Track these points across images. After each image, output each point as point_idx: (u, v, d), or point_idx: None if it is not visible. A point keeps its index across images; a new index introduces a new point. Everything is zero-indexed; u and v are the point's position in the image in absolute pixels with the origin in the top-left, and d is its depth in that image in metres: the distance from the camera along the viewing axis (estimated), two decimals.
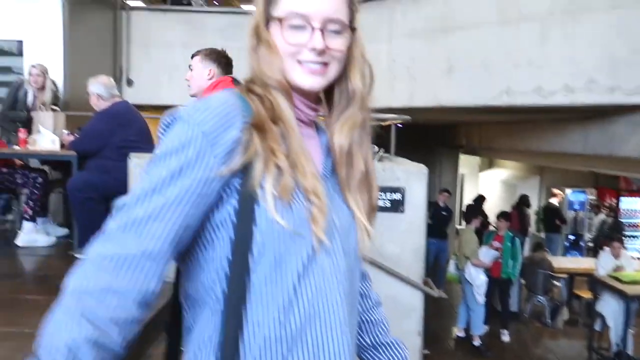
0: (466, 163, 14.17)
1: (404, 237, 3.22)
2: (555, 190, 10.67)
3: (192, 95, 2.56)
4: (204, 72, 2.52)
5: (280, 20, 0.81)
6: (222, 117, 0.76)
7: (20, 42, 5.85)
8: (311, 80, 0.83)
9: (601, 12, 4.80)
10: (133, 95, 6.82)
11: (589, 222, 10.97)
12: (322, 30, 0.80)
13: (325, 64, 0.82)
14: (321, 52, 0.81)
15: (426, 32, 6.08)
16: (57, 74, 5.43)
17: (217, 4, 13.22)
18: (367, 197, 0.89)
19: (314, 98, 0.87)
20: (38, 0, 5.78)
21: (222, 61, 2.56)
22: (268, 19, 0.83)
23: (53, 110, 4.48)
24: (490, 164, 14.82)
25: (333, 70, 0.84)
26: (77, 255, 3.57)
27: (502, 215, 7.11)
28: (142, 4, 8.50)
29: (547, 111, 5.75)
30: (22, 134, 3.93)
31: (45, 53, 5.58)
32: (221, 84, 2.45)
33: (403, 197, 3.19)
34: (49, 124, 4.13)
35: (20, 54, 5.82)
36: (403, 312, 3.24)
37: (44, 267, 3.50)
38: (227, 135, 0.75)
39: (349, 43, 0.84)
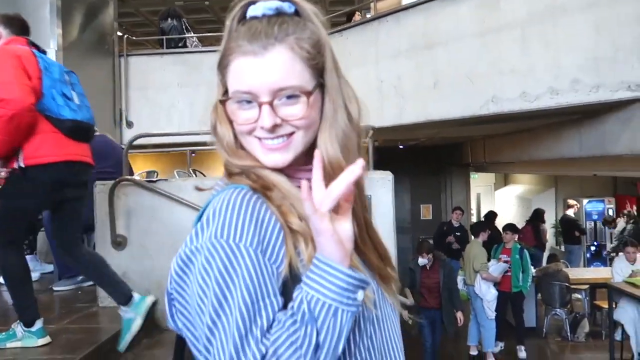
0: (481, 182, 13.95)
1: None
2: (571, 201, 10.39)
3: None
4: None
5: (229, 99, 0.74)
6: (251, 218, 0.69)
7: None
8: (272, 158, 0.75)
9: (577, 12, 4.77)
10: None
11: (610, 232, 10.61)
12: (271, 103, 0.72)
13: (290, 135, 0.74)
14: (272, 129, 0.73)
15: (410, 50, 6.11)
16: None
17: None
18: (374, 250, 0.83)
19: (303, 161, 0.76)
20: None
21: (14, 23, 2.51)
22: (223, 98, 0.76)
23: None
24: (505, 181, 14.57)
25: (299, 140, 0.75)
26: (55, 288, 3.61)
27: (508, 228, 6.94)
28: (140, 51, 8.79)
29: (539, 116, 5.67)
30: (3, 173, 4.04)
31: None
32: (13, 42, 2.42)
33: (369, 205, 3.14)
34: None
35: None
36: None
37: None
38: (270, 234, 0.70)
39: (318, 102, 0.75)
